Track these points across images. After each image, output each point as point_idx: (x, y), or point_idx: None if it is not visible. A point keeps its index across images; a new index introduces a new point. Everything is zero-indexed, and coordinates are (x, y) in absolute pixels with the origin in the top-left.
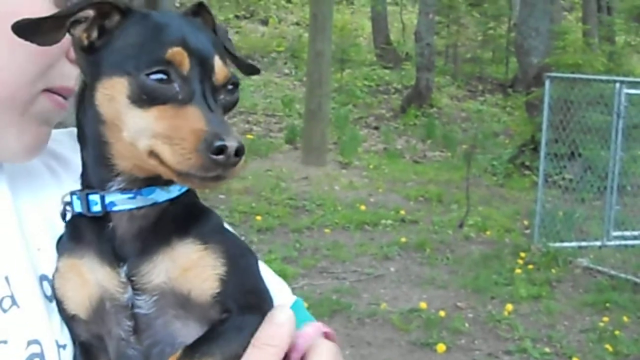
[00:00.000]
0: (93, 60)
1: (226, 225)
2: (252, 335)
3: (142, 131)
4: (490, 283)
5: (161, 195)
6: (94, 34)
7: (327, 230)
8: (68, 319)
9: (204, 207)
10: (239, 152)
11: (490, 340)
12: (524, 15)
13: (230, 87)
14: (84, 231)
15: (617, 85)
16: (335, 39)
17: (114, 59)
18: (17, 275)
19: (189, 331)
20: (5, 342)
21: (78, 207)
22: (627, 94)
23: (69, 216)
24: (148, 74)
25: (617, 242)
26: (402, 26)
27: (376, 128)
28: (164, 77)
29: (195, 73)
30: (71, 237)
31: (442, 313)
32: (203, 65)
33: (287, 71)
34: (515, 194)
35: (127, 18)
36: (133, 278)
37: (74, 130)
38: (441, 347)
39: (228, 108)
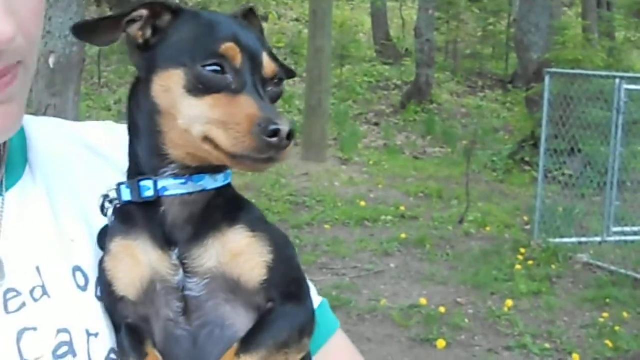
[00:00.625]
0: (148, 57)
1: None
2: (296, 324)
3: (197, 118)
4: (491, 279)
5: (210, 182)
6: (148, 33)
7: (327, 227)
8: (116, 300)
9: (243, 198)
10: (290, 135)
11: (490, 336)
12: (523, 11)
13: (276, 81)
14: (135, 217)
15: (617, 81)
16: (335, 35)
17: (169, 54)
18: (49, 266)
19: (237, 314)
20: (35, 329)
21: (127, 196)
22: (627, 89)
23: (109, 209)
24: (204, 66)
25: (617, 238)
26: (402, 22)
27: (376, 124)
28: (218, 68)
29: (246, 66)
30: (122, 222)
31: (442, 309)
32: (253, 60)
33: None
34: (515, 189)
35: (178, 17)
36: (185, 261)
37: (111, 124)
38: (441, 343)
39: (274, 99)
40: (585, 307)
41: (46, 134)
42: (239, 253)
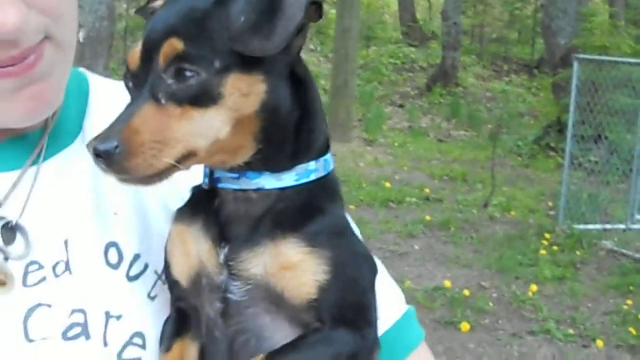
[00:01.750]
0: None
1: (350, 228)
2: (341, 353)
3: None
4: (515, 263)
5: (269, 181)
6: None
7: (352, 207)
8: (172, 282)
9: (328, 204)
10: (104, 153)
11: (514, 320)
12: None
13: (178, 70)
14: (199, 202)
15: None
16: (362, 15)
17: None
18: (79, 240)
19: (278, 327)
20: (49, 305)
21: (204, 179)
22: None
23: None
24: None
25: None
26: (428, 4)
27: (401, 106)
28: (128, 80)
29: (144, 66)
30: (187, 204)
31: (466, 292)
32: (150, 54)
33: (312, 47)
34: (540, 174)
35: None
36: (230, 262)
37: None
38: (465, 326)
39: (184, 97)
40: (609, 293)
41: (110, 99)
42: (288, 267)
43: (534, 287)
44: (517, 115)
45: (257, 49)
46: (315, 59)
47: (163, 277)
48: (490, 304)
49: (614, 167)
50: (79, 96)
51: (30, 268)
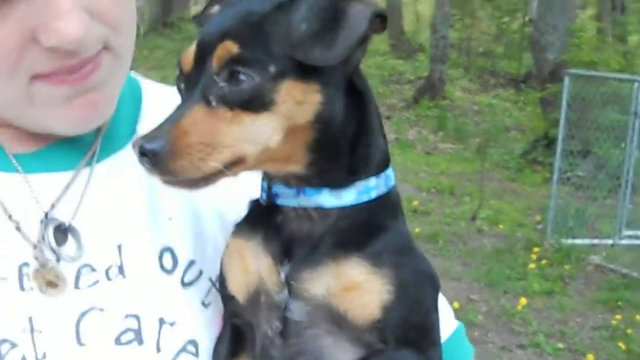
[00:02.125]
0: None
1: (413, 245)
2: None
3: None
4: (503, 277)
5: (329, 200)
6: None
7: None
8: (228, 297)
9: (390, 222)
10: (151, 153)
11: (503, 333)
12: (541, 11)
13: (231, 73)
14: (259, 217)
15: (636, 84)
16: None
17: None
18: (133, 244)
19: (339, 349)
20: (101, 310)
21: (261, 190)
22: None
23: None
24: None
25: (629, 242)
26: (416, 17)
27: (388, 118)
28: (180, 82)
29: (197, 68)
30: (246, 219)
31: (455, 305)
32: (203, 57)
33: None
34: (527, 189)
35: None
36: (292, 282)
37: None
38: None
39: (237, 100)
40: (597, 308)
41: (163, 103)
42: (351, 288)
43: (523, 301)
44: (503, 129)
45: (318, 58)
46: None
47: (217, 284)
48: (480, 317)
49: (602, 182)
50: (132, 100)
51: (83, 271)
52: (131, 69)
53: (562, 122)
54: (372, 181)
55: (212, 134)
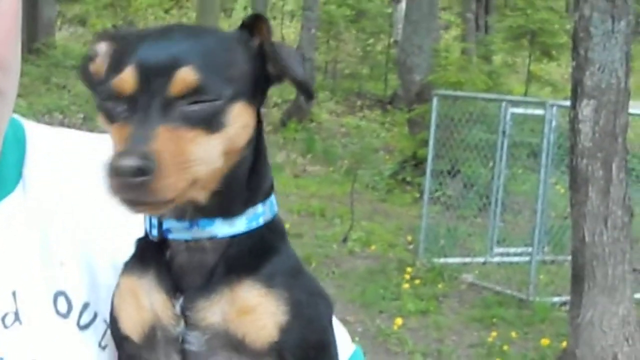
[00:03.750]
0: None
1: (303, 267)
2: None
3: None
4: (378, 297)
5: (222, 229)
6: (93, 68)
7: None
8: (122, 338)
9: (279, 245)
10: (138, 171)
11: (380, 354)
12: (407, 33)
13: (199, 97)
14: (148, 253)
15: (504, 104)
16: None
17: (99, 88)
18: (27, 291)
19: None
20: (1, 358)
21: (147, 227)
22: (512, 113)
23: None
24: (103, 99)
25: (500, 259)
26: (282, 39)
27: None
28: (114, 100)
29: (144, 89)
30: (135, 257)
31: None
32: (155, 80)
33: None
34: (397, 209)
35: (114, 45)
36: (187, 313)
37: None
38: None
39: (198, 119)
40: (473, 326)
41: (48, 146)
42: (247, 312)
43: (398, 321)
44: (372, 151)
45: (301, 75)
46: None
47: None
48: (357, 339)
49: (471, 201)
50: (17, 143)
51: None
52: None
53: (431, 142)
54: (260, 208)
55: (182, 154)
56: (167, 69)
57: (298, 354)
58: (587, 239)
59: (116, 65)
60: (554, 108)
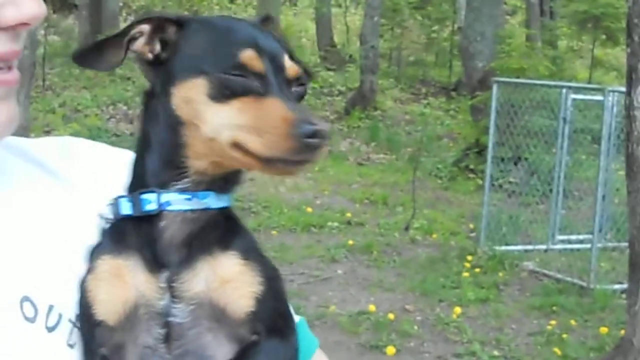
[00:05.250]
0: (162, 70)
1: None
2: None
3: (223, 125)
4: (438, 286)
5: (214, 201)
6: (157, 47)
7: (273, 232)
8: (93, 326)
9: (242, 224)
10: (327, 134)
11: (439, 343)
12: (470, 20)
13: (300, 82)
14: (129, 234)
15: (564, 90)
16: None
17: (185, 64)
18: None
19: (219, 346)
20: None
21: (127, 209)
22: (574, 99)
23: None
24: (226, 71)
25: (562, 246)
26: (345, 28)
27: None
28: (241, 73)
29: (269, 69)
30: (114, 240)
31: (391, 316)
32: (274, 62)
33: None
34: (460, 197)
35: (185, 27)
36: (173, 284)
37: (70, 139)
38: (390, 350)
39: (298, 100)
40: (532, 314)
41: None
42: (228, 280)
43: (457, 310)
44: (435, 138)
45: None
46: None
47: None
48: (415, 327)
49: (534, 188)
50: None
51: None
52: (63, 88)
53: (491, 129)
54: (232, 189)
55: None
56: (279, 56)
57: (269, 323)
58: None
59: (219, 45)
60: (614, 94)
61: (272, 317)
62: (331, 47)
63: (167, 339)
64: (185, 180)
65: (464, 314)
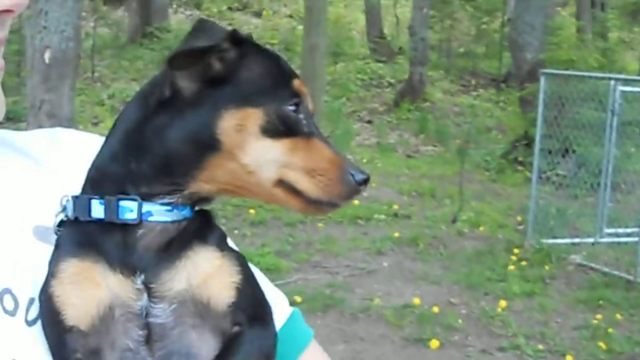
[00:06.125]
0: (215, 89)
1: None
2: (263, 349)
3: (272, 162)
4: (484, 279)
5: (190, 210)
6: (218, 65)
7: (320, 225)
8: (64, 332)
9: (215, 221)
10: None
11: (483, 336)
12: (519, 11)
13: None
14: (97, 237)
15: (612, 82)
16: (329, 32)
17: (245, 90)
18: None
19: (203, 342)
20: None
21: (99, 213)
22: (622, 91)
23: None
24: (287, 106)
25: (610, 240)
26: (395, 20)
27: (369, 122)
28: (295, 109)
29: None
30: (80, 243)
31: (435, 309)
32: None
33: None
34: (508, 189)
35: (244, 47)
36: (152, 285)
37: (58, 130)
38: (435, 343)
39: None
40: (578, 308)
41: None
42: (211, 274)
43: (503, 303)
44: (484, 130)
45: None
46: None
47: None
48: (460, 321)
49: (582, 180)
50: None
51: None
52: (112, 80)
53: (539, 121)
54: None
55: None
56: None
57: (249, 312)
58: None
59: (276, 76)
60: None
61: (252, 305)
62: (381, 39)
63: (148, 340)
64: (176, 196)
65: (509, 308)
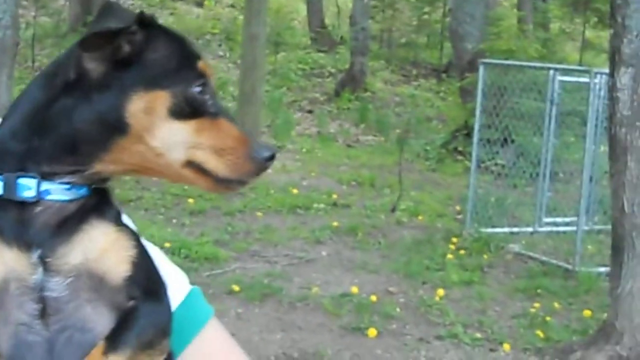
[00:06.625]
0: (123, 72)
1: None
2: (159, 323)
3: (180, 143)
4: (422, 268)
5: (88, 189)
6: (127, 47)
7: (259, 214)
8: None
9: (111, 198)
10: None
11: (421, 325)
12: (459, 1)
13: None
14: None
15: (551, 72)
16: (270, 21)
17: (150, 73)
18: None
19: (99, 317)
20: None
21: (8, 189)
22: (561, 81)
23: None
24: (193, 87)
25: (549, 229)
26: (337, 10)
27: (310, 112)
28: (201, 90)
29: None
30: None
31: (373, 298)
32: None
33: (221, 53)
34: (448, 179)
35: (150, 31)
36: (48, 259)
37: None
38: (372, 332)
39: None
40: (516, 297)
41: None
42: (106, 248)
43: (441, 292)
44: (425, 120)
45: None
46: (223, 65)
47: None
48: (398, 310)
49: (521, 170)
50: None
51: None
52: None
53: (478, 111)
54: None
55: None
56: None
57: (144, 286)
58: (626, 209)
59: (182, 58)
60: (600, 76)
61: (146, 280)
62: (322, 29)
63: (43, 314)
64: (78, 176)
65: (447, 297)
